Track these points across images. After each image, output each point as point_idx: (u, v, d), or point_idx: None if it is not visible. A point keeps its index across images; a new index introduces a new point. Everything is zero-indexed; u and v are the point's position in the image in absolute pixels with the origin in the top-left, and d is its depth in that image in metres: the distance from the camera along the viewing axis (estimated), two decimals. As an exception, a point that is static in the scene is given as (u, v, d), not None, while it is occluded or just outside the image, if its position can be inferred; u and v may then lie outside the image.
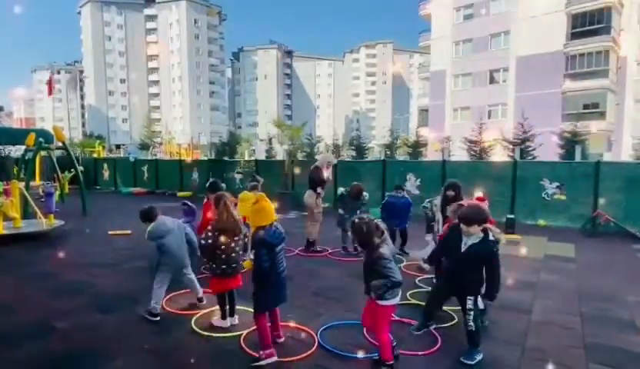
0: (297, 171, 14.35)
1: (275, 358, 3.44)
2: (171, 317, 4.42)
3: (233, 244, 4.02)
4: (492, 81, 33.95)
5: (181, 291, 5.09)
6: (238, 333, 3.98)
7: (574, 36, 29.56)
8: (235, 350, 3.69)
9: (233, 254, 4.03)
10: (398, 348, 3.51)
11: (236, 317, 4.26)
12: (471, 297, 3.47)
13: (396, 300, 3.29)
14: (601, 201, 9.44)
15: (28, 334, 4.00)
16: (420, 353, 3.58)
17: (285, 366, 3.41)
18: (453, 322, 4.22)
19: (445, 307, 4.48)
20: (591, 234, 9.06)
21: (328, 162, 7.57)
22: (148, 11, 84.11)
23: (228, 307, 4.26)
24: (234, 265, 4.05)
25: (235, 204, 4.92)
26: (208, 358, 3.58)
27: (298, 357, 3.52)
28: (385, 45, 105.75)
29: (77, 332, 4.07)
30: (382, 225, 3.28)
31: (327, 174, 7.45)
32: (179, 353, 3.67)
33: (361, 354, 3.54)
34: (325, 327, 4.08)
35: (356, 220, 3.35)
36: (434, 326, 4.00)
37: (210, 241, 3.93)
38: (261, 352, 3.44)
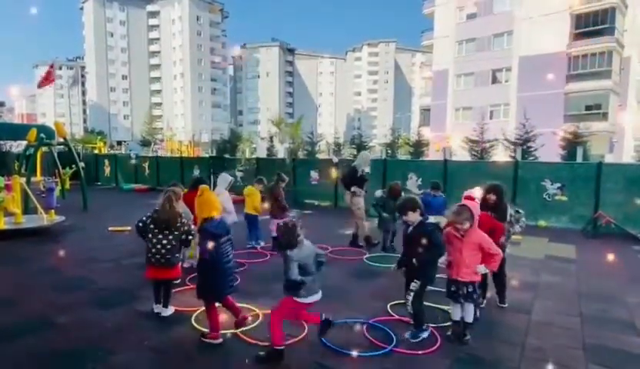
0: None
1: (219, 340, 3.71)
2: (171, 314, 4.42)
3: (161, 236, 4.17)
4: (495, 81, 33.88)
5: (180, 289, 5.09)
6: (235, 330, 3.97)
7: (577, 37, 29.48)
8: (234, 344, 3.71)
9: (159, 246, 4.18)
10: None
11: (170, 308, 4.42)
12: (417, 281, 3.71)
13: (307, 300, 3.37)
14: (604, 202, 9.41)
15: (28, 330, 4.01)
16: (420, 352, 3.58)
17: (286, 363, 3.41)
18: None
19: (445, 307, 4.49)
20: (593, 236, 9.04)
21: (363, 160, 7.73)
22: (150, 8, 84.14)
23: (162, 296, 4.41)
24: (157, 256, 4.19)
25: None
26: (207, 354, 3.59)
27: (292, 341, 3.67)
28: (387, 44, 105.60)
29: (77, 327, 4.08)
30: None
31: (367, 170, 7.67)
32: (179, 349, 3.67)
33: (358, 353, 3.54)
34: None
35: (282, 223, 3.43)
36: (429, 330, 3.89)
37: (140, 225, 4.22)
38: (208, 333, 3.74)
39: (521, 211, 4.94)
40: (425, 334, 3.79)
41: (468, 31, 34.72)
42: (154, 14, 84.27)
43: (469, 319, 3.83)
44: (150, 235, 4.17)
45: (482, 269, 3.76)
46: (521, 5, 31.41)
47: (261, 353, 3.45)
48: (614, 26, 28.66)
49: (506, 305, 4.68)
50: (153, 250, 4.19)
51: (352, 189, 7.50)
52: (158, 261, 4.20)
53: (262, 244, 7.58)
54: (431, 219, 3.80)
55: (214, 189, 6.58)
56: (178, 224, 4.23)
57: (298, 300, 3.36)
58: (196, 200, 3.79)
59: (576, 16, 29.64)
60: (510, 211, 4.65)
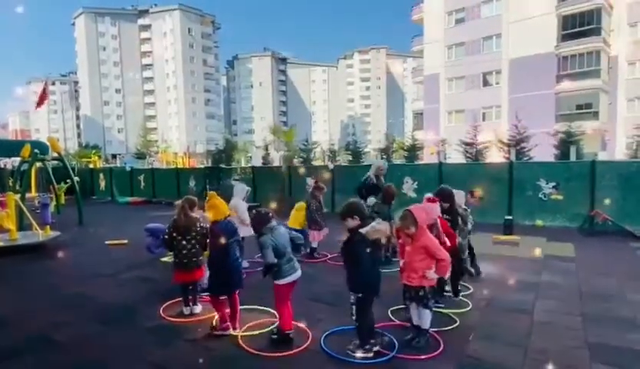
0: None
1: (230, 331, 4.06)
2: (172, 327, 4.37)
3: (184, 242, 4.57)
4: (486, 83, 34.21)
5: (179, 299, 5.04)
6: (235, 334, 4.02)
7: (565, 37, 29.90)
8: (236, 356, 3.67)
9: (184, 251, 4.57)
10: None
11: (198, 305, 4.79)
12: (353, 293, 3.51)
13: (287, 280, 3.75)
14: (599, 199, 9.47)
15: (26, 348, 3.94)
16: (422, 356, 3.55)
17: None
18: (455, 325, 4.20)
19: (446, 311, 4.47)
20: (590, 234, 9.07)
21: (378, 168, 7.40)
22: (141, 21, 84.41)
23: (190, 296, 4.75)
24: (185, 260, 4.58)
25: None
26: (210, 365, 3.55)
27: (295, 350, 3.73)
28: (378, 50, 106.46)
29: (76, 345, 4.02)
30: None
31: (382, 179, 7.28)
32: (180, 363, 3.62)
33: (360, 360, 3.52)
34: (327, 332, 4.04)
35: (254, 210, 3.96)
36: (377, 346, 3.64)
37: (166, 237, 4.66)
38: (218, 325, 4.10)
39: (467, 207, 5.40)
40: (371, 354, 3.51)
41: (457, 35, 35.12)
42: (145, 28, 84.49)
43: (424, 325, 3.74)
44: (175, 243, 4.59)
45: (432, 274, 3.65)
46: (508, 8, 31.85)
47: (274, 336, 3.89)
48: (600, 26, 29.11)
49: (449, 294, 4.86)
50: (180, 255, 4.60)
51: (368, 200, 7.05)
52: (185, 265, 4.59)
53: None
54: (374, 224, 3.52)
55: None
56: (197, 229, 4.60)
57: (280, 282, 3.75)
58: (205, 204, 4.23)
59: (563, 17, 30.09)
60: (460, 210, 5.05)
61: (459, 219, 5.02)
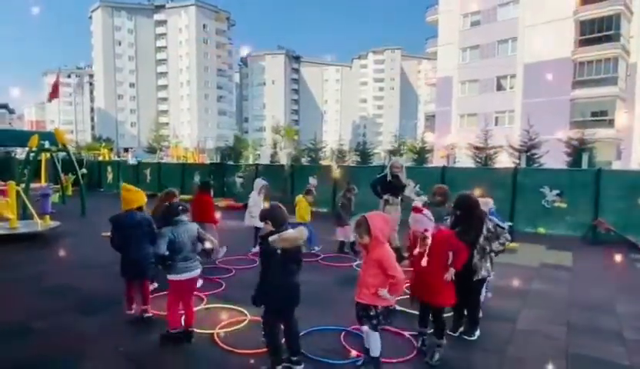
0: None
1: (132, 312, 4.44)
2: (151, 319, 4.39)
3: None
4: (499, 87, 33.67)
5: (159, 293, 5.04)
6: (210, 331, 4.00)
7: (582, 43, 29.25)
8: (210, 351, 3.67)
9: None
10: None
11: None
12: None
13: (178, 277, 3.71)
14: (603, 209, 9.23)
15: (3, 335, 4.00)
16: (394, 360, 3.49)
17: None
18: (431, 330, 4.11)
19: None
20: (592, 243, 8.86)
21: (391, 165, 7.19)
22: (157, 17, 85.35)
23: None
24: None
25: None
26: (181, 360, 3.55)
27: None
28: (393, 51, 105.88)
29: (54, 334, 4.06)
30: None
31: (403, 179, 7.04)
32: (153, 355, 3.64)
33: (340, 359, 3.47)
34: (303, 332, 3.99)
35: (166, 203, 4.41)
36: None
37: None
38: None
39: (503, 225, 4.07)
40: None
41: (471, 38, 34.64)
42: (161, 23, 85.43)
43: (374, 352, 3.19)
44: None
45: (385, 293, 3.10)
46: (525, 12, 31.31)
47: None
48: (619, 32, 28.40)
49: (474, 338, 3.94)
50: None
51: (385, 197, 7.05)
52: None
53: (316, 249, 7.60)
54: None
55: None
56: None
57: (171, 278, 3.72)
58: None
59: (581, 22, 29.43)
60: (488, 225, 3.89)
61: (481, 235, 3.87)
